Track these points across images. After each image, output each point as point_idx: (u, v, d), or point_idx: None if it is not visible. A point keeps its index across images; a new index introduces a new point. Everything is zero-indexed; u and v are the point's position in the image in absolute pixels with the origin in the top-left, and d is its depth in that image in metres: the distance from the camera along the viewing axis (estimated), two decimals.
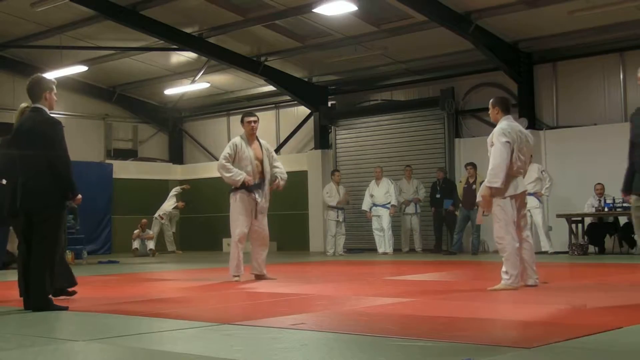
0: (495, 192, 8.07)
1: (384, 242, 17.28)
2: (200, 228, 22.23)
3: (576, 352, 4.41)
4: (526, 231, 8.39)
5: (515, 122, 8.52)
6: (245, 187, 9.98)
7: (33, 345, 5.17)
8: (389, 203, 17.28)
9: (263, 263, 10.29)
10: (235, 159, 10.07)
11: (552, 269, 11.24)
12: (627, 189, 7.11)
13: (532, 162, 8.98)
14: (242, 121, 10.34)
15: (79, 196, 7.27)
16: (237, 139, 10.27)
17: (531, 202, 14.72)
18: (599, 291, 8.11)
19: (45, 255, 6.88)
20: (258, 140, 10.32)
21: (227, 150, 10.19)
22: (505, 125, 8.19)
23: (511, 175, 8.13)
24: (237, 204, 10.10)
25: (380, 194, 17.42)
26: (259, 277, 10.21)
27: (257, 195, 10.09)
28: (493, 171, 8.01)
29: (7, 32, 18.38)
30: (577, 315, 6.16)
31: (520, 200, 8.27)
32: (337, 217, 17.51)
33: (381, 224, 17.35)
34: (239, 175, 9.97)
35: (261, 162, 10.21)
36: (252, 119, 10.23)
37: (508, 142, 8.03)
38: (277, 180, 10.26)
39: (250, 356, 4.59)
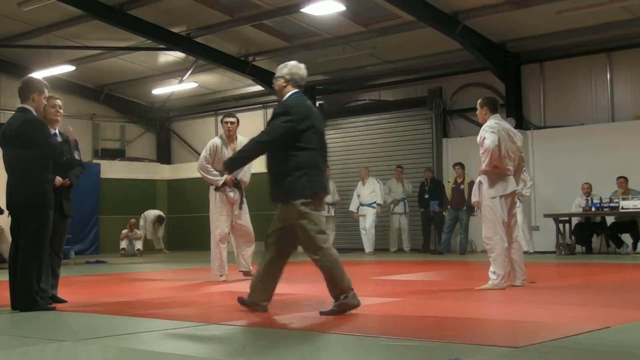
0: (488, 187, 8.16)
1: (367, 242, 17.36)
2: (188, 228, 22.18)
3: (563, 352, 4.43)
4: (515, 231, 8.43)
5: (503, 120, 8.57)
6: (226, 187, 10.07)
7: (20, 345, 5.16)
8: (375, 202, 17.31)
9: (250, 259, 10.30)
10: (214, 160, 10.10)
11: (539, 269, 11.28)
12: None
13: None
14: (221, 122, 10.38)
15: (61, 180, 7.33)
16: (216, 140, 10.29)
17: None
18: (586, 291, 8.14)
19: (32, 255, 6.86)
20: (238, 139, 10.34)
21: (205, 152, 10.26)
22: (493, 123, 8.27)
23: (500, 174, 8.17)
24: (216, 204, 10.17)
25: (366, 194, 17.47)
26: (247, 273, 10.20)
27: (232, 194, 10.13)
28: (484, 154, 8.13)
29: None
30: (564, 314, 6.18)
31: (510, 200, 8.30)
32: (328, 212, 17.54)
33: (365, 222, 17.41)
34: (219, 179, 10.03)
35: None
36: (228, 119, 10.23)
37: (494, 132, 8.13)
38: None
39: (237, 357, 4.59)
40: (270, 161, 6.49)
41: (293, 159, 6.31)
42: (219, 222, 10.10)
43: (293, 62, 6.68)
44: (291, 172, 6.30)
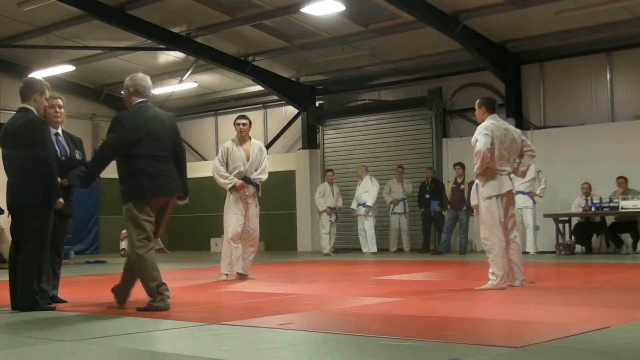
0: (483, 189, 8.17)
1: (366, 242, 17.35)
2: (189, 228, 22.15)
3: (562, 352, 4.43)
4: (514, 232, 8.40)
5: (502, 120, 8.55)
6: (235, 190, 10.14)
7: (20, 345, 5.16)
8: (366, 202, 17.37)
9: (249, 264, 10.35)
10: (227, 161, 10.22)
11: (539, 269, 11.28)
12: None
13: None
14: (234, 123, 10.48)
15: (60, 200, 7.20)
16: (227, 142, 10.54)
17: (525, 201, 14.74)
18: (586, 291, 8.15)
19: (32, 255, 6.86)
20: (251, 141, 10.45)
21: (217, 156, 10.51)
22: (488, 124, 8.24)
23: (495, 174, 8.16)
24: (230, 203, 10.27)
25: (360, 193, 17.51)
26: (242, 276, 10.23)
27: (245, 195, 10.19)
28: (475, 157, 8.14)
29: None
30: (564, 315, 6.18)
31: (507, 200, 8.28)
32: (330, 218, 17.56)
33: (362, 223, 17.43)
34: (229, 182, 10.10)
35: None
36: (240, 121, 10.42)
37: (487, 134, 8.11)
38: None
39: (239, 356, 4.59)
40: (117, 167, 6.97)
41: (127, 166, 6.81)
42: (231, 220, 10.21)
43: (139, 74, 7.08)
44: (125, 178, 6.86)
